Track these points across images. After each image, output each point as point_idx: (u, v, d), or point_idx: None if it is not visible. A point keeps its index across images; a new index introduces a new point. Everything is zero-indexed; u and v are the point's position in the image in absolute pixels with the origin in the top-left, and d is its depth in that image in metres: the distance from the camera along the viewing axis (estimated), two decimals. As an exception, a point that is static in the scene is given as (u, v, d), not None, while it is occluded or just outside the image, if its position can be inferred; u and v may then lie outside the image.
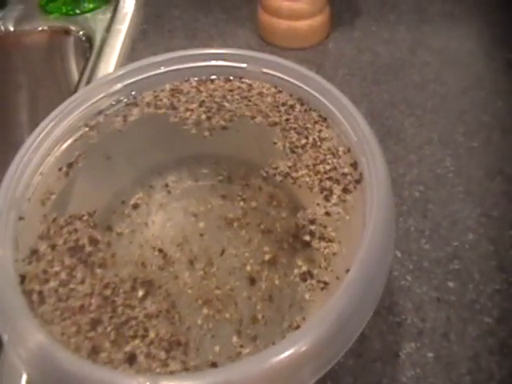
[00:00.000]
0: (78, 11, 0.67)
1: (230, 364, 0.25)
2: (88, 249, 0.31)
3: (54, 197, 0.33)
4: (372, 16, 0.63)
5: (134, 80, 0.38)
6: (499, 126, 0.49)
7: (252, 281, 0.32)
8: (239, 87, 0.39)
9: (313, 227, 0.31)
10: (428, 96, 0.52)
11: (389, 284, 0.37)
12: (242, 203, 0.36)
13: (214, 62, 0.39)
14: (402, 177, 0.44)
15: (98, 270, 0.31)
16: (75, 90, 0.55)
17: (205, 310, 0.31)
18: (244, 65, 0.39)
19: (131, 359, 0.26)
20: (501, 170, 0.44)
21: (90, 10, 0.67)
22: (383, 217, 0.28)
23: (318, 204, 0.32)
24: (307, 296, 0.29)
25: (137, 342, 0.28)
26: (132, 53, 0.58)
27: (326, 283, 0.29)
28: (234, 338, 0.29)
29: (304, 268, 0.31)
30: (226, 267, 0.33)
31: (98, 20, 0.65)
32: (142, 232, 0.34)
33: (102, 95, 0.38)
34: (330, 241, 0.31)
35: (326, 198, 0.32)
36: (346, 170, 0.33)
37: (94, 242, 0.32)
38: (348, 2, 0.64)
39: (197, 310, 0.31)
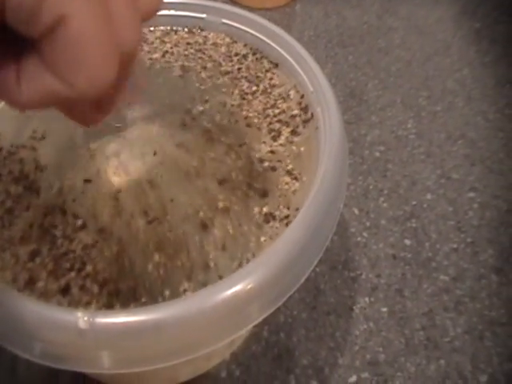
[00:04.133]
0: None
1: (173, 300, 0.24)
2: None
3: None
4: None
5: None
6: (464, 93, 0.49)
7: (204, 227, 0.31)
8: (196, 41, 0.37)
9: (265, 164, 0.31)
10: (393, 60, 0.52)
11: (345, 240, 0.37)
12: (200, 153, 0.35)
13: (174, 12, 0.38)
14: (363, 137, 0.44)
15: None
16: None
17: (156, 257, 0.30)
18: (204, 15, 0.38)
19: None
20: (463, 134, 0.44)
21: None
22: (336, 157, 0.28)
23: (264, 142, 0.31)
24: (262, 239, 0.28)
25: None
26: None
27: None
28: (185, 284, 0.29)
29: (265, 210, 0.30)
30: (179, 214, 0.32)
31: None
32: (98, 181, 0.33)
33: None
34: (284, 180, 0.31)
35: (274, 139, 0.31)
36: (295, 112, 0.32)
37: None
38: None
39: (148, 255, 0.30)
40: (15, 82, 0.16)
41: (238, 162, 0.33)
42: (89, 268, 0.28)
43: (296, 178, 0.30)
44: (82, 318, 0.21)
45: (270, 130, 0.31)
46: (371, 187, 0.40)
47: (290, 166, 0.30)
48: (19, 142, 0.33)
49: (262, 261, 0.24)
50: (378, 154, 0.42)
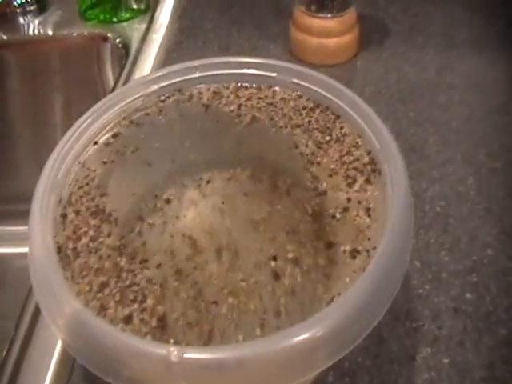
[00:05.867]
0: (115, 19, 0.69)
1: (244, 342, 0.26)
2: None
3: (91, 184, 0.35)
4: (400, 38, 0.64)
5: (171, 82, 0.40)
6: (523, 150, 0.50)
7: (276, 276, 0.33)
8: (266, 95, 0.40)
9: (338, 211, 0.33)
10: (452, 117, 0.54)
11: (407, 291, 0.38)
12: (267, 205, 0.37)
13: (246, 70, 0.41)
14: (424, 192, 0.45)
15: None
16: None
17: (230, 300, 0.32)
18: (274, 74, 0.40)
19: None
20: (522, 191, 0.45)
21: (127, 19, 0.69)
22: (403, 213, 0.29)
23: (341, 189, 0.33)
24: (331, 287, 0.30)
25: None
26: (166, 62, 0.60)
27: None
28: (258, 329, 0.30)
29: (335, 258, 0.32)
30: (250, 262, 0.34)
31: (135, 29, 0.67)
32: (174, 224, 0.36)
33: (139, 94, 0.39)
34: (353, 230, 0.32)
35: (349, 186, 0.33)
36: (366, 160, 0.34)
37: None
38: (377, 23, 0.66)
39: (222, 299, 0.32)
40: None
41: (308, 211, 0.35)
42: (166, 306, 0.30)
43: (366, 230, 0.31)
44: (173, 352, 0.24)
45: (347, 177, 0.34)
46: (432, 241, 0.41)
47: (361, 216, 0.32)
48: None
49: (332, 309, 0.26)
50: (438, 208, 0.44)
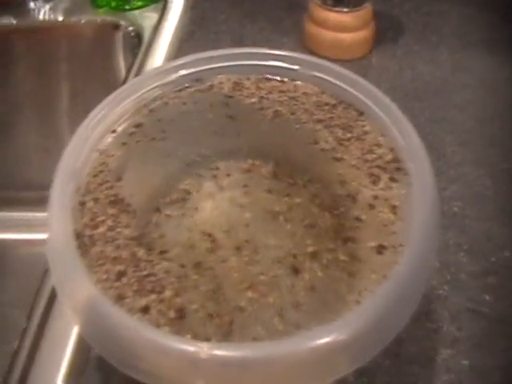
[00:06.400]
0: (127, 7, 0.69)
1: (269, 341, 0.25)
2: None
3: (109, 173, 0.34)
4: (415, 36, 0.64)
5: (190, 71, 0.39)
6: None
7: (295, 270, 0.32)
8: (288, 89, 0.39)
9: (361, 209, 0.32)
10: (467, 116, 0.53)
11: (427, 292, 0.38)
12: (286, 198, 0.36)
13: (268, 62, 0.40)
14: (442, 191, 0.45)
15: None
16: (123, 84, 0.56)
17: (249, 294, 0.31)
18: (296, 67, 0.40)
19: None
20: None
21: (139, 7, 0.69)
22: (431, 214, 0.29)
23: (365, 186, 0.33)
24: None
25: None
26: (179, 51, 0.60)
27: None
28: (276, 322, 0.30)
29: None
30: (270, 256, 0.33)
31: (147, 17, 0.67)
32: (192, 216, 0.35)
33: (157, 83, 0.39)
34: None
35: (374, 183, 0.33)
36: (389, 158, 0.34)
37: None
38: (392, 20, 0.66)
39: (241, 292, 0.31)
40: None
41: (327, 206, 0.35)
42: (184, 298, 0.30)
43: (391, 226, 0.31)
44: (202, 349, 0.23)
45: (370, 175, 0.33)
46: (451, 242, 0.41)
47: (386, 213, 0.31)
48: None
49: (359, 312, 0.25)
50: (456, 209, 0.43)
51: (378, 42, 0.61)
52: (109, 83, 0.68)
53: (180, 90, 0.39)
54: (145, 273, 0.29)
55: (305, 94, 0.38)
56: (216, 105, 0.38)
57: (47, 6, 0.71)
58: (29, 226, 0.67)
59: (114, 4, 0.69)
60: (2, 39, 0.71)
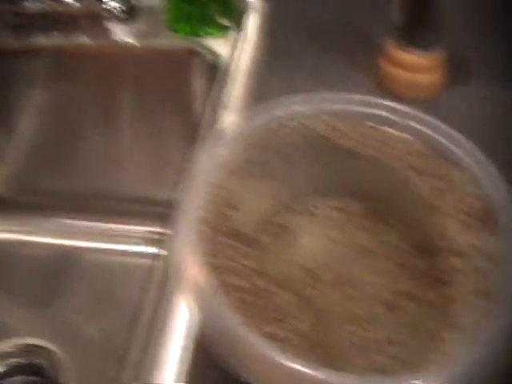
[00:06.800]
0: (202, 33, 0.74)
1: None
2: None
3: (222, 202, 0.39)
4: (487, 80, 0.67)
5: (292, 111, 0.44)
6: None
7: (390, 307, 0.37)
8: (383, 135, 0.44)
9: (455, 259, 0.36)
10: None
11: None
12: (378, 237, 0.41)
13: (363, 109, 0.44)
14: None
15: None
16: (203, 112, 0.61)
17: (349, 327, 0.36)
18: (390, 115, 0.44)
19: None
20: None
21: (214, 35, 0.73)
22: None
23: (457, 233, 0.37)
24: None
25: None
26: (258, 82, 0.65)
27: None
28: (375, 355, 0.34)
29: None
30: (366, 292, 0.38)
31: (221, 45, 0.72)
32: (291, 250, 0.40)
33: (263, 121, 0.43)
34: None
35: (466, 230, 0.37)
36: (479, 206, 0.38)
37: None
38: (464, 63, 0.69)
39: (342, 325, 0.36)
40: None
41: (419, 248, 0.39)
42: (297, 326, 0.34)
43: (485, 273, 0.35)
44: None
45: (462, 222, 0.37)
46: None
47: (479, 260, 0.36)
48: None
49: (459, 359, 0.30)
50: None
51: (450, 83, 0.65)
52: (181, 106, 0.73)
53: (283, 129, 0.43)
54: (267, 302, 0.34)
55: (398, 141, 0.43)
56: (315, 144, 0.43)
57: (123, 28, 0.77)
58: (95, 234, 0.75)
59: (188, 29, 0.74)
60: (75, 58, 0.77)
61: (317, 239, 0.41)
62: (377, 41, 0.66)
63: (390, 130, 0.43)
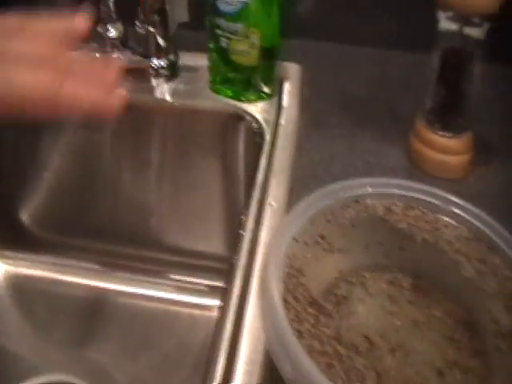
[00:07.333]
0: (243, 98, 0.83)
1: None
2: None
3: (297, 272, 0.47)
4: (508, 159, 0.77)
5: (348, 194, 0.53)
6: None
7: (440, 373, 0.45)
8: (431, 219, 0.53)
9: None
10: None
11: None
12: (426, 310, 0.50)
13: (412, 194, 0.53)
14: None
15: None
16: (252, 178, 0.69)
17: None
18: (437, 202, 0.53)
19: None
20: None
21: (254, 101, 0.83)
22: None
23: (501, 313, 0.45)
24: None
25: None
26: (300, 151, 0.74)
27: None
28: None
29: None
30: (418, 359, 0.46)
31: (262, 112, 0.81)
32: (349, 320, 0.48)
33: (327, 202, 0.52)
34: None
35: (509, 312, 0.45)
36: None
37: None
38: (490, 144, 0.79)
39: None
40: None
41: (463, 323, 0.48)
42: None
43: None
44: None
45: (504, 305, 0.46)
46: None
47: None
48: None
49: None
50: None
51: (477, 164, 0.75)
52: (224, 168, 0.82)
53: (342, 209, 0.52)
54: (348, 366, 0.42)
55: (445, 226, 0.52)
56: (375, 226, 0.52)
57: (167, 86, 0.86)
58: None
59: (230, 93, 0.83)
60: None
61: (372, 309, 0.49)
62: (408, 118, 0.76)
63: (441, 216, 0.52)
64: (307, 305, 0.45)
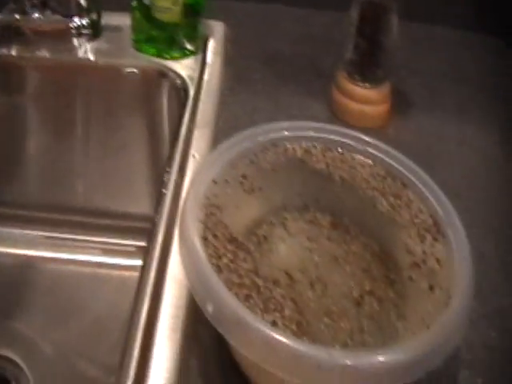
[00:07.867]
0: (166, 56, 0.82)
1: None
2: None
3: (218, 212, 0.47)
4: (422, 110, 0.80)
5: (266, 138, 0.53)
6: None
7: (357, 303, 0.47)
8: (348, 159, 0.54)
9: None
10: (472, 186, 0.69)
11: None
12: (344, 245, 0.51)
13: (329, 136, 0.55)
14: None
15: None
16: (176, 132, 0.69)
17: (326, 319, 0.45)
18: (353, 142, 0.54)
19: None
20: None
21: (177, 58, 0.82)
22: (469, 264, 0.44)
23: (415, 243, 0.47)
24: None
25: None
26: (224, 106, 0.74)
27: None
28: (348, 342, 0.44)
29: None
30: (337, 291, 0.47)
31: (186, 68, 0.80)
32: (270, 257, 0.49)
33: (245, 145, 0.52)
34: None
35: (422, 241, 0.47)
36: (430, 222, 0.48)
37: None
38: (403, 95, 0.82)
39: (320, 318, 0.45)
40: None
41: (379, 256, 0.49)
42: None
43: (437, 273, 0.45)
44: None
45: (418, 234, 0.47)
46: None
47: (432, 263, 0.46)
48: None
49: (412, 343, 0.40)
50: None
51: (394, 115, 0.77)
52: (148, 124, 0.82)
53: (262, 152, 0.53)
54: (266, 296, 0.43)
55: (361, 165, 0.53)
56: (295, 167, 0.53)
57: (89, 46, 0.84)
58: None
59: (153, 51, 0.83)
60: (38, 72, 0.83)
61: (293, 247, 0.50)
62: (331, 73, 0.77)
63: (357, 156, 0.53)
64: (226, 242, 0.45)
